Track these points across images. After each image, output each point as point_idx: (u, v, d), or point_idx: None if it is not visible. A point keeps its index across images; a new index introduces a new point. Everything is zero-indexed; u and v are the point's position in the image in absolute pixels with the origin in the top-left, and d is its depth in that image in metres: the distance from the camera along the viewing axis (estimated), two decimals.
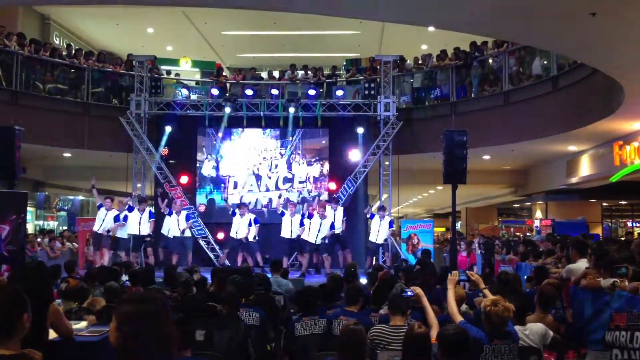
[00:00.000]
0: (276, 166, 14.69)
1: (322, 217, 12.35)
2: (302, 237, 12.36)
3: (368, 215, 13.60)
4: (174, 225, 12.59)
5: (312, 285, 6.76)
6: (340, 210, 12.80)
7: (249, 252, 12.54)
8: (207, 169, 14.71)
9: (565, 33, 7.71)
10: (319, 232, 12.28)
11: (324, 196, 14.40)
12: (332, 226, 12.37)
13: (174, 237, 12.59)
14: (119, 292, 6.20)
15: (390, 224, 12.91)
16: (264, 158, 14.73)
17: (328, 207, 12.67)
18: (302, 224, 12.38)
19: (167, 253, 12.67)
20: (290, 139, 14.63)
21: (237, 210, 12.71)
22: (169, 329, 2.10)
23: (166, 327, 2.08)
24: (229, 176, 14.69)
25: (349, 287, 5.88)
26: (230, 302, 5.27)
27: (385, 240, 12.74)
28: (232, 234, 12.57)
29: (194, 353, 4.21)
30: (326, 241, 12.37)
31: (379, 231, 12.58)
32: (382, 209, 13.01)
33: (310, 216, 12.50)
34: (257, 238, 12.64)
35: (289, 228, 12.44)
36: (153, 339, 2.03)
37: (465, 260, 13.64)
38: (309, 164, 14.72)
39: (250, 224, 12.53)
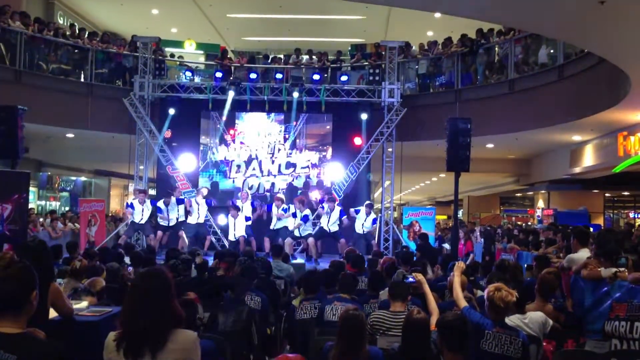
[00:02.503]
0: (279, 150, 14.67)
1: (278, 206, 12.47)
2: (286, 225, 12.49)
3: (353, 210, 13.25)
4: (195, 213, 12.78)
5: (317, 270, 6.80)
6: (336, 210, 12.40)
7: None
8: (210, 153, 14.68)
9: (573, 21, 7.64)
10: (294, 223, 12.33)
11: (326, 182, 14.40)
12: (304, 218, 12.17)
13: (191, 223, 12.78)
14: (119, 273, 6.25)
15: (374, 221, 12.67)
16: (269, 143, 14.66)
17: (325, 205, 12.57)
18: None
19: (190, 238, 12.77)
20: (294, 123, 14.60)
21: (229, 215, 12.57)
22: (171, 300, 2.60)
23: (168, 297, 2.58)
24: (232, 160, 14.67)
25: (345, 275, 5.77)
26: (239, 286, 5.33)
27: (364, 232, 12.47)
28: (230, 237, 12.46)
29: (199, 335, 4.24)
30: (300, 233, 12.30)
31: (363, 225, 12.35)
32: (369, 206, 12.80)
33: (269, 208, 12.69)
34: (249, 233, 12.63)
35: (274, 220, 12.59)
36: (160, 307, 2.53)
37: (461, 248, 13.62)
38: (312, 149, 14.68)
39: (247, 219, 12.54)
